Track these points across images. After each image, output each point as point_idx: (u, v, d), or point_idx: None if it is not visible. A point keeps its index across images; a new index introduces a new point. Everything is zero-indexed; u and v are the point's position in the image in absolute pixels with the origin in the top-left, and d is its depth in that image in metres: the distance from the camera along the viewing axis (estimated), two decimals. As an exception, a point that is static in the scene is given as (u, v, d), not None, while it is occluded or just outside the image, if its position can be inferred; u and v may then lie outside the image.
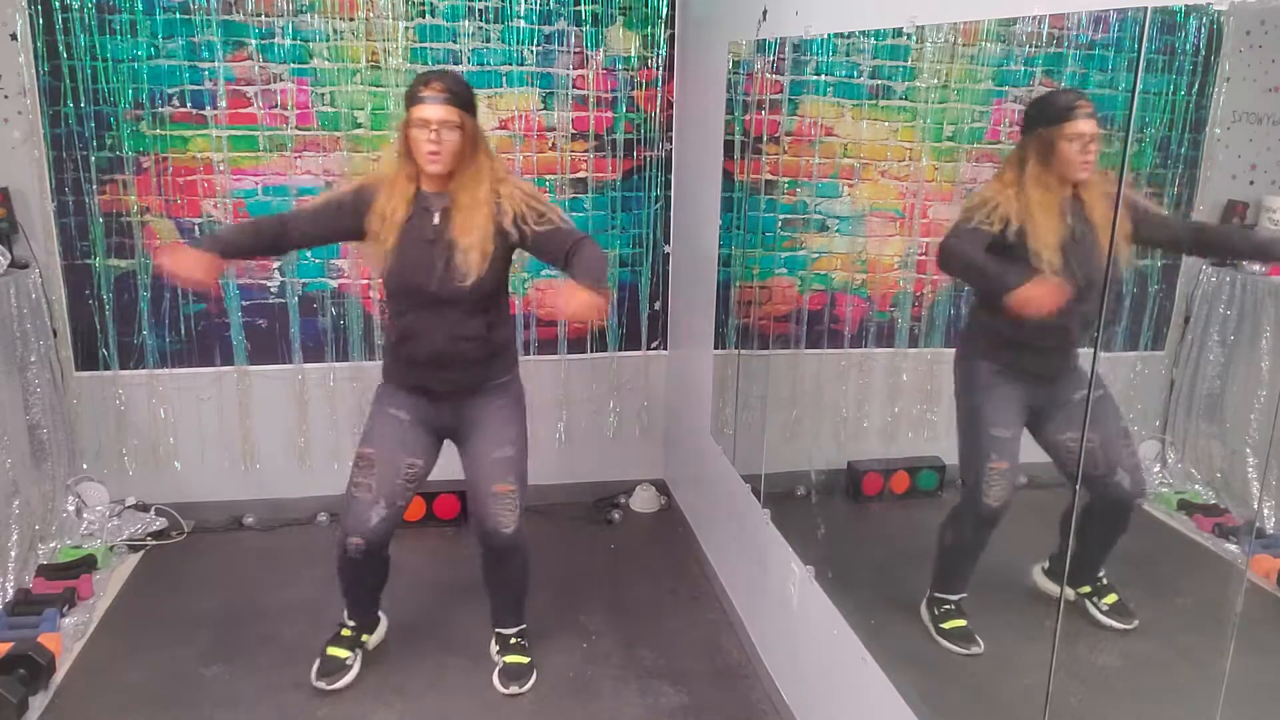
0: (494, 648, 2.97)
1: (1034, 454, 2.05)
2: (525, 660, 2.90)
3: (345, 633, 2.88)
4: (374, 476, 2.64)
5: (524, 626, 2.97)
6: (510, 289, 2.71)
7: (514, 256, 2.64)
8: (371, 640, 2.95)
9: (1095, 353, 1.58)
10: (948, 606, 2.21)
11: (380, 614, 3.00)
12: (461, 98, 2.47)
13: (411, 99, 2.45)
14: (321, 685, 2.78)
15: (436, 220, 2.52)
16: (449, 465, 2.84)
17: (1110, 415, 1.87)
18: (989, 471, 2.17)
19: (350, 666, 2.83)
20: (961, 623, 2.18)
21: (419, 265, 2.52)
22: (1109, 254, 1.49)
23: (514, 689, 2.82)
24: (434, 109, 2.41)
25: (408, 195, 2.52)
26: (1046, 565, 1.93)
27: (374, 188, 2.57)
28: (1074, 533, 1.62)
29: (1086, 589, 1.88)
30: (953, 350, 2.47)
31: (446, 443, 2.80)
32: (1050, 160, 1.84)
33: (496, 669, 2.89)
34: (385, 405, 2.70)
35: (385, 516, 2.65)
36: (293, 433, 3.85)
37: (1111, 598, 1.89)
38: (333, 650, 2.84)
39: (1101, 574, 1.90)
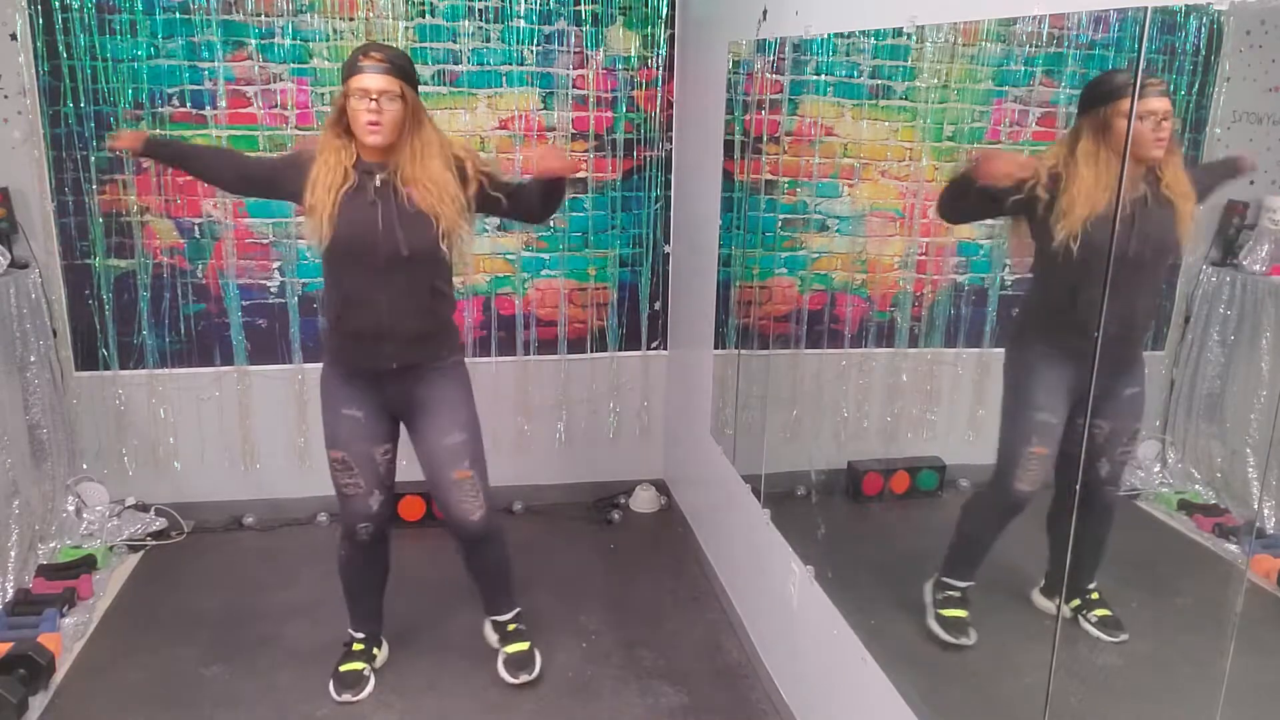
0: (492, 636, 2.96)
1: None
2: (526, 646, 2.89)
3: (356, 647, 2.86)
4: (357, 475, 2.65)
5: (519, 610, 2.96)
6: (454, 271, 2.64)
7: (466, 233, 2.57)
8: (379, 658, 2.91)
9: (1099, 330, 1.57)
10: (952, 593, 2.18)
11: (382, 637, 2.96)
12: (402, 68, 2.40)
13: (350, 69, 2.38)
14: (347, 698, 2.75)
15: (379, 183, 2.44)
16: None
17: (1136, 413, 1.85)
18: (1028, 456, 2.09)
19: (369, 677, 2.82)
20: (962, 613, 2.15)
21: (362, 227, 2.43)
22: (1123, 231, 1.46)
23: (523, 677, 2.82)
24: (374, 78, 2.34)
25: (346, 163, 2.44)
26: (1042, 584, 1.92)
27: (308, 156, 2.50)
28: (1059, 539, 1.61)
29: (1076, 602, 1.84)
30: (952, 350, 2.48)
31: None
32: (1112, 138, 1.69)
33: (500, 660, 2.88)
34: (338, 404, 2.63)
35: (382, 500, 2.70)
36: (293, 433, 3.85)
37: (1101, 611, 1.86)
38: (347, 666, 2.82)
39: (1092, 586, 1.86)
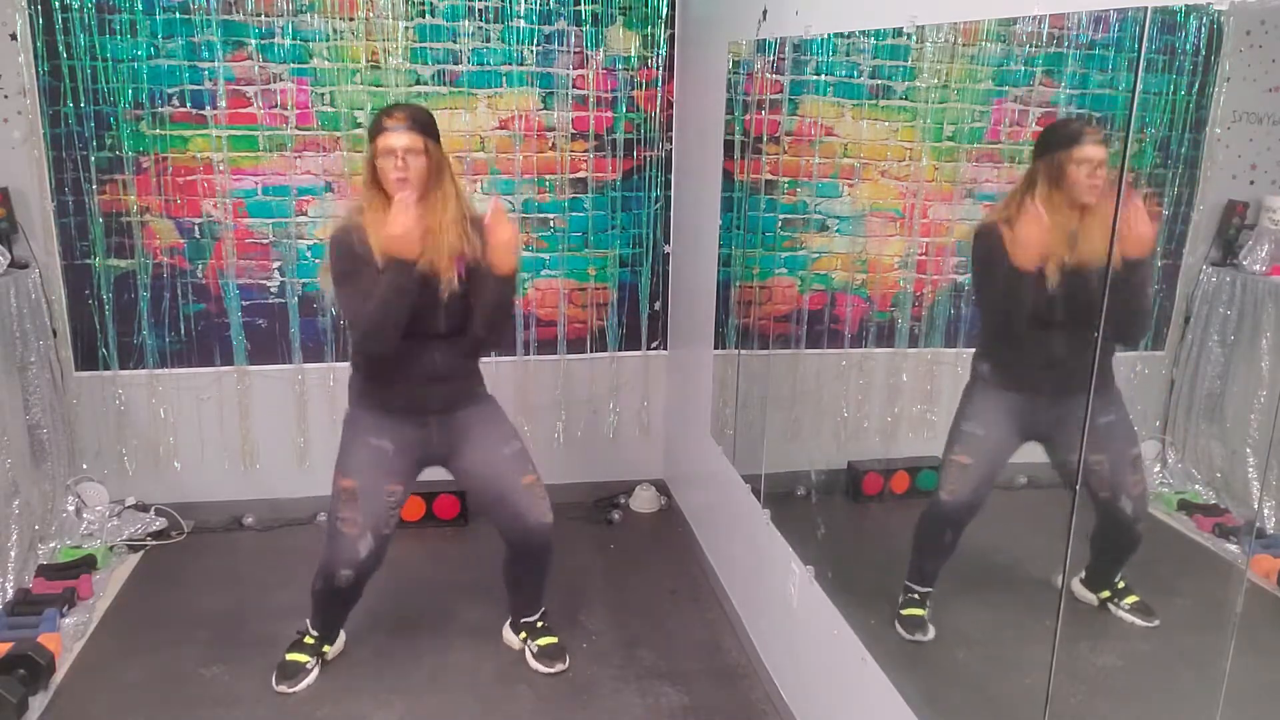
0: (519, 636, 3.00)
1: (1033, 454, 2.05)
2: (556, 639, 2.96)
3: (308, 640, 2.88)
4: (358, 510, 2.62)
5: (545, 609, 3.02)
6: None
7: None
8: (331, 652, 2.93)
9: (1095, 364, 1.58)
10: (912, 595, 2.28)
11: (340, 630, 2.97)
12: (424, 124, 2.51)
13: (375, 130, 2.49)
14: (284, 689, 2.78)
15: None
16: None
17: (1122, 439, 1.89)
18: (949, 462, 2.21)
19: (310, 670, 2.84)
20: (919, 612, 2.25)
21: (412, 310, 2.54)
22: (1108, 267, 1.49)
23: (558, 666, 2.89)
24: (399, 137, 2.45)
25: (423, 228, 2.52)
26: (1083, 575, 1.94)
27: (354, 232, 2.53)
28: (1075, 534, 1.62)
29: (1106, 593, 1.91)
30: (953, 350, 2.48)
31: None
32: (1065, 183, 1.86)
33: (530, 654, 2.94)
34: (365, 435, 2.66)
35: (373, 549, 2.66)
36: (293, 433, 3.85)
37: (1132, 598, 1.91)
38: (292, 656, 2.85)
39: (1119, 579, 1.92)
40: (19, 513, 3.28)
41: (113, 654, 2.96)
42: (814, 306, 2.91)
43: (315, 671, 2.85)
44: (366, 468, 2.64)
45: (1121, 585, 1.91)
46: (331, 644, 2.94)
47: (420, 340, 2.57)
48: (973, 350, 2.33)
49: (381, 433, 2.66)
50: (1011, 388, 2.14)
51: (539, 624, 2.99)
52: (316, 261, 3.72)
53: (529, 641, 2.96)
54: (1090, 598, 1.90)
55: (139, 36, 3.42)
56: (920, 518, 2.35)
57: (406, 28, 3.57)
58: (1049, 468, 1.95)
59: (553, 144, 3.79)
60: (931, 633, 2.22)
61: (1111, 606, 1.92)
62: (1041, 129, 2.05)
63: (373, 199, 2.54)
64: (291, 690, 2.78)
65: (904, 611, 2.26)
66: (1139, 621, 1.90)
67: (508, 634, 3.04)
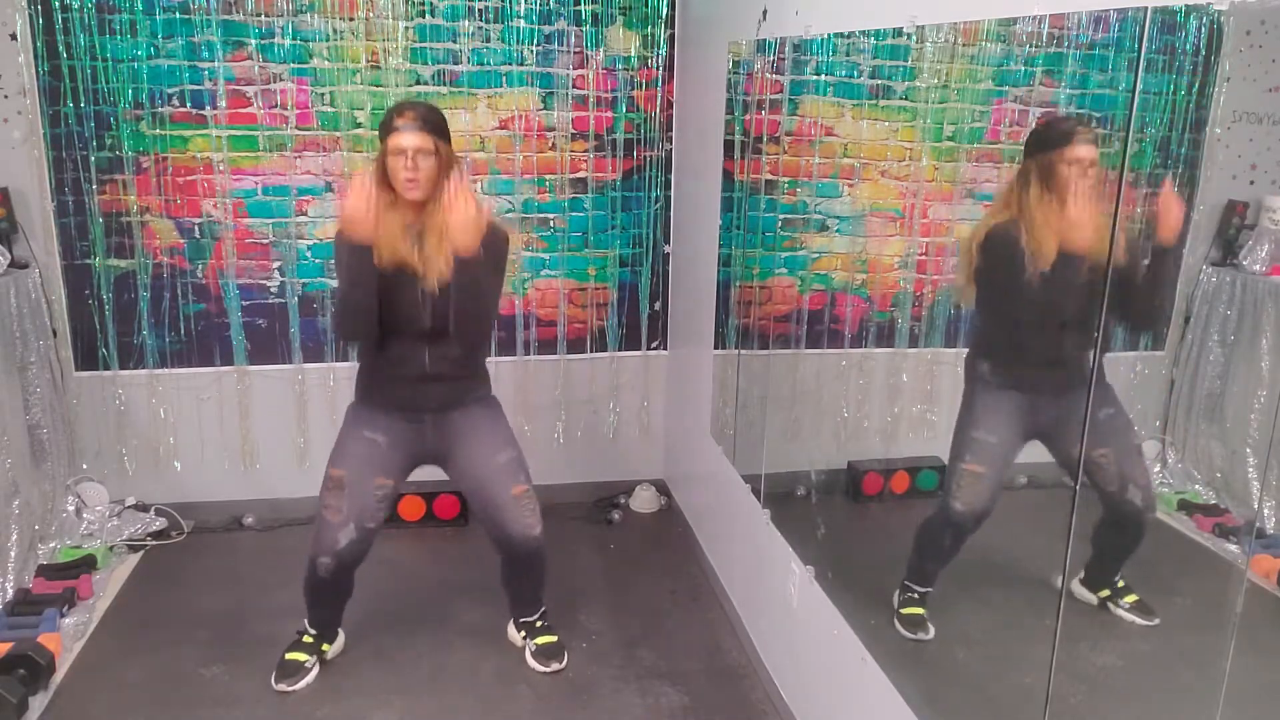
0: (519, 634, 3.01)
1: (1032, 455, 2.05)
2: (555, 638, 2.97)
3: (306, 639, 2.89)
4: (343, 499, 2.65)
5: (544, 608, 3.02)
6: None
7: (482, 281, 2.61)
8: (331, 651, 2.94)
9: (1096, 361, 1.58)
10: (911, 594, 2.28)
11: (340, 630, 2.99)
12: (435, 125, 2.51)
13: (386, 129, 2.50)
14: (282, 688, 2.79)
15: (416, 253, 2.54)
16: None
17: (1124, 432, 1.89)
18: (960, 472, 2.20)
19: (309, 669, 2.84)
20: (919, 611, 2.25)
21: (407, 305, 2.55)
22: (1108, 263, 1.49)
23: (554, 666, 2.90)
24: (409, 137, 2.46)
25: (403, 225, 2.54)
26: (1082, 575, 1.94)
27: (357, 226, 2.50)
28: (1077, 533, 1.62)
29: (1106, 592, 1.91)
30: (953, 350, 2.48)
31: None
32: (1054, 183, 1.87)
33: (529, 652, 2.95)
34: (360, 427, 2.70)
35: (355, 539, 2.68)
36: (293, 433, 3.85)
37: (1132, 597, 1.92)
38: (291, 655, 2.86)
39: (1119, 578, 1.92)
40: (19, 513, 3.28)
41: (113, 654, 2.96)
42: (814, 306, 2.91)
43: (315, 670, 2.86)
44: (356, 459, 2.67)
45: (1121, 584, 1.92)
46: (331, 642, 2.94)
47: (410, 338, 2.59)
48: (968, 359, 2.33)
49: (376, 427, 2.68)
50: (1015, 388, 2.14)
51: (538, 623, 2.99)
52: (317, 261, 3.72)
53: (528, 640, 2.97)
54: (1090, 597, 1.90)
55: (139, 36, 3.42)
56: (927, 523, 2.34)
57: (406, 28, 3.57)
58: (1049, 467, 1.95)
59: (553, 144, 3.79)
60: (932, 632, 2.22)
61: (1111, 606, 1.92)
62: (1032, 129, 2.06)
63: (380, 196, 2.53)
64: (290, 689, 2.79)
65: (904, 610, 2.27)
66: (1139, 620, 1.90)
67: (511, 631, 3.05)
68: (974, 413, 2.20)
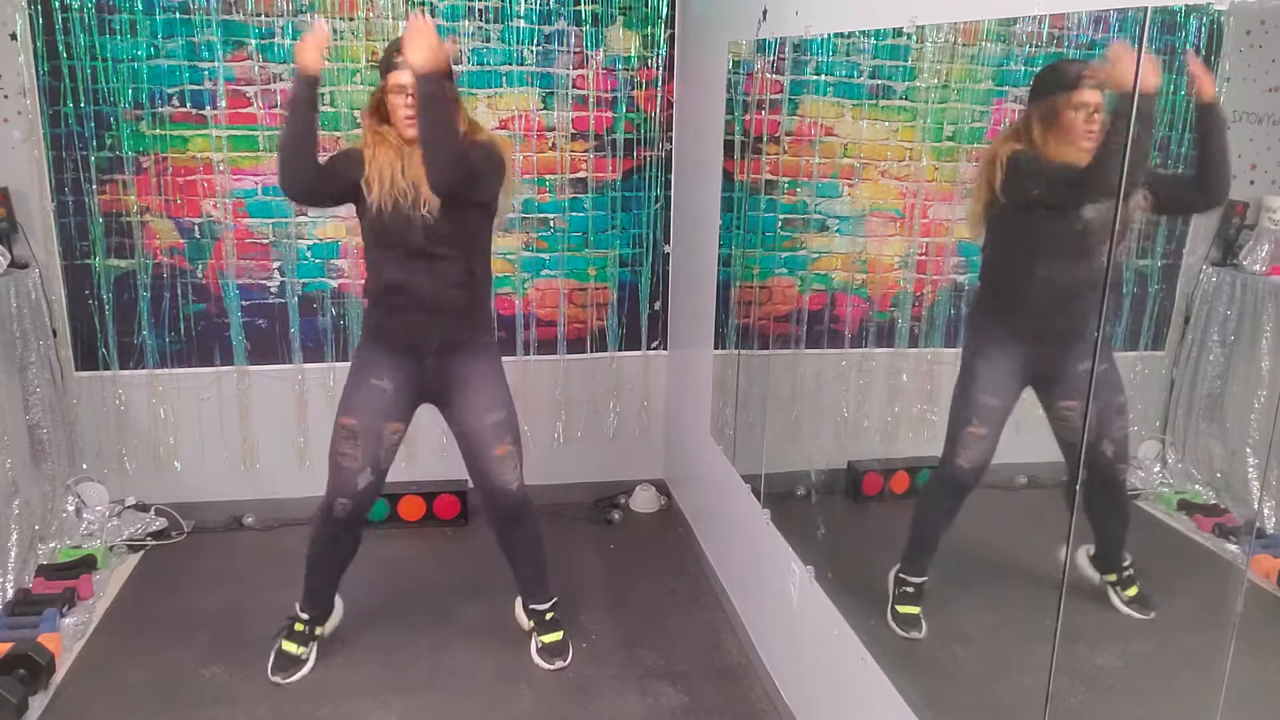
0: (528, 623, 3.01)
1: (1031, 455, 2.05)
2: (561, 635, 2.98)
3: (299, 627, 2.90)
4: (359, 447, 2.69)
5: (556, 600, 3.02)
6: (491, 248, 2.76)
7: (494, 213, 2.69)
8: (327, 628, 2.95)
9: (1101, 321, 1.57)
10: (907, 589, 2.29)
11: (336, 598, 2.98)
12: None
13: (386, 65, 2.50)
14: (277, 680, 2.81)
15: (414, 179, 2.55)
16: (448, 466, 2.84)
17: (1110, 387, 1.87)
18: (966, 435, 2.19)
19: (305, 660, 2.86)
20: (914, 610, 2.25)
21: (403, 217, 2.55)
22: (1111, 239, 1.49)
23: (558, 664, 2.91)
24: (408, 74, 2.44)
25: (398, 144, 2.56)
26: (1092, 550, 1.94)
27: (359, 151, 2.61)
28: (1076, 523, 1.62)
29: (1112, 577, 1.91)
30: (953, 350, 2.48)
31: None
32: (1058, 128, 1.86)
33: (534, 647, 2.97)
34: (366, 374, 2.72)
35: (371, 481, 2.73)
36: (293, 433, 3.85)
37: (1134, 589, 1.91)
38: (286, 646, 2.87)
39: (1128, 563, 1.92)
40: (19, 513, 3.28)
41: (113, 654, 2.96)
42: (814, 306, 2.91)
43: (310, 662, 2.87)
44: (366, 407, 2.70)
45: (1128, 573, 1.91)
46: (324, 623, 2.94)
47: (408, 262, 2.59)
48: (970, 319, 2.33)
49: (382, 372, 2.70)
50: (1017, 338, 2.12)
51: (548, 616, 2.99)
52: (317, 261, 3.72)
53: (535, 635, 2.98)
54: (1094, 575, 1.89)
55: (139, 36, 3.42)
56: (925, 491, 2.35)
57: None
58: (1050, 467, 1.95)
59: (553, 144, 3.79)
60: (925, 630, 2.23)
61: (1112, 593, 1.91)
62: (1038, 72, 2.01)
63: (373, 130, 2.56)
64: (285, 681, 2.81)
65: (899, 609, 2.27)
66: (1136, 614, 1.90)
67: (518, 612, 3.05)
68: (976, 374, 2.19)
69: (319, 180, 2.59)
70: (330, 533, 2.78)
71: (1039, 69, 1.99)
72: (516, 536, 2.91)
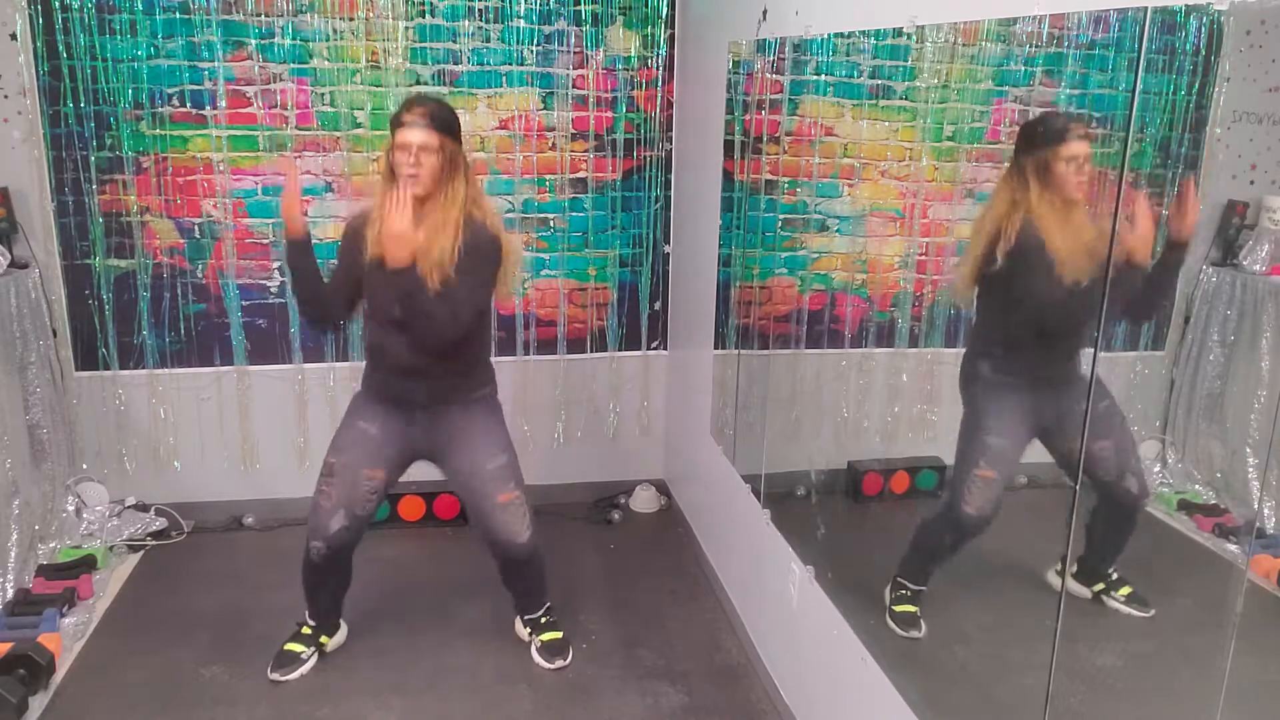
0: (524, 630, 3.03)
1: (1032, 455, 2.05)
2: (560, 635, 2.99)
3: (305, 630, 2.92)
4: (335, 485, 2.71)
5: (549, 604, 3.03)
6: (488, 308, 2.75)
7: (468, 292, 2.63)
8: (331, 643, 2.97)
9: (1095, 355, 1.58)
10: (904, 592, 2.28)
11: (341, 622, 3.01)
12: (442, 121, 2.52)
13: (395, 123, 2.53)
14: (275, 677, 2.82)
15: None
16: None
17: (1119, 421, 1.88)
18: (973, 477, 2.18)
19: (305, 660, 2.88)
20: (912, 609, 2.25)
21: (383, 295, 2.60)
22: (1108, 259, 1.49)
23: (558, 662, 2.92)
24: (414, 133, 2.49)
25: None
26: (1074, 569, 1.94)
27: (360, 219, 2.66)
28: (1075, 531, 1.62)
29: (1100, 586, 1.91)
30: (953, 350, 2.48)
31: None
32: (1051, 181, 1.88)
33: (534, 648, 2.97)
34: (356, 417, 2.76)
35: (345, 525, 2.72)
36: (293, 433, 3.85)
37: (1126, 589, 1.91)
38: (289, 645, 2.89)
39: (1112, 570, 1.92)
40: (19, 513, 3.28)
41: (113, 654, 2.96)
42: (814, 306, 2.91)
43: (310, 662, 2.88)
44: (349, 447, 2.73)
45: (1114, 576, 1.91)
46: (330, 635, 2.95)
47: (388, 329, 2.62)
48: (969, 361, 2.31)
49: (372, 418, 2.73)
50: (1020, 386, 2.13)
51: (543, 619, 3.01)
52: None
53: (534, 636, 2.99)
54: (1084, 591, 1.89)
55: (139, 36, 3.42)
56: (928, 524, 2.34)
57: (406, 28, 3.57)
58: (1049, 467, 1.95)
59: (553, 144, 3.79)
60: (924, 629, 2.23)
61: (1105, 599, 1.91)
62: (1022, 125, 2.04)
63: (383, 189, 2.57)
64: (283, 679, 2.82)
65: (897, 608, 2.27)
66: (1135, 612, 1.90)
67: (518, 626, 3.06)
68: (982, 417, 2.19)
69: (339, 307, 2.76)
70: (315, 575, 2.83)
71: (1024, 123, 2.03)
72: (520, 579, 2.94)
